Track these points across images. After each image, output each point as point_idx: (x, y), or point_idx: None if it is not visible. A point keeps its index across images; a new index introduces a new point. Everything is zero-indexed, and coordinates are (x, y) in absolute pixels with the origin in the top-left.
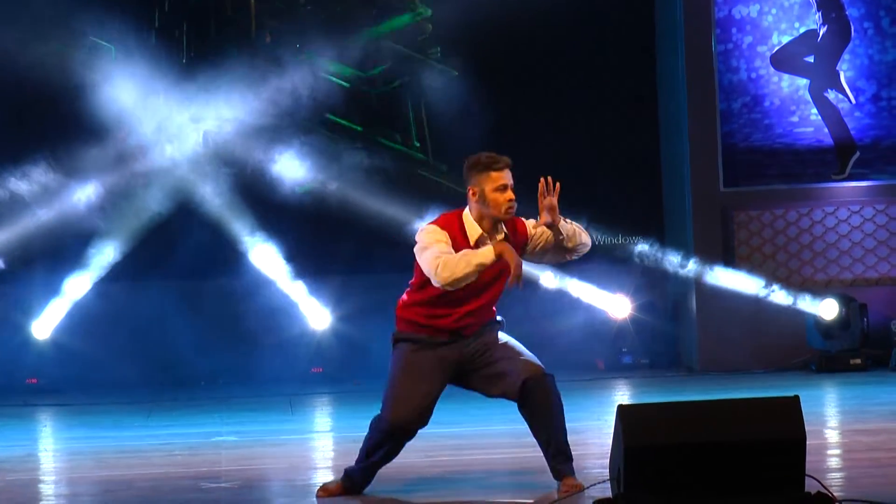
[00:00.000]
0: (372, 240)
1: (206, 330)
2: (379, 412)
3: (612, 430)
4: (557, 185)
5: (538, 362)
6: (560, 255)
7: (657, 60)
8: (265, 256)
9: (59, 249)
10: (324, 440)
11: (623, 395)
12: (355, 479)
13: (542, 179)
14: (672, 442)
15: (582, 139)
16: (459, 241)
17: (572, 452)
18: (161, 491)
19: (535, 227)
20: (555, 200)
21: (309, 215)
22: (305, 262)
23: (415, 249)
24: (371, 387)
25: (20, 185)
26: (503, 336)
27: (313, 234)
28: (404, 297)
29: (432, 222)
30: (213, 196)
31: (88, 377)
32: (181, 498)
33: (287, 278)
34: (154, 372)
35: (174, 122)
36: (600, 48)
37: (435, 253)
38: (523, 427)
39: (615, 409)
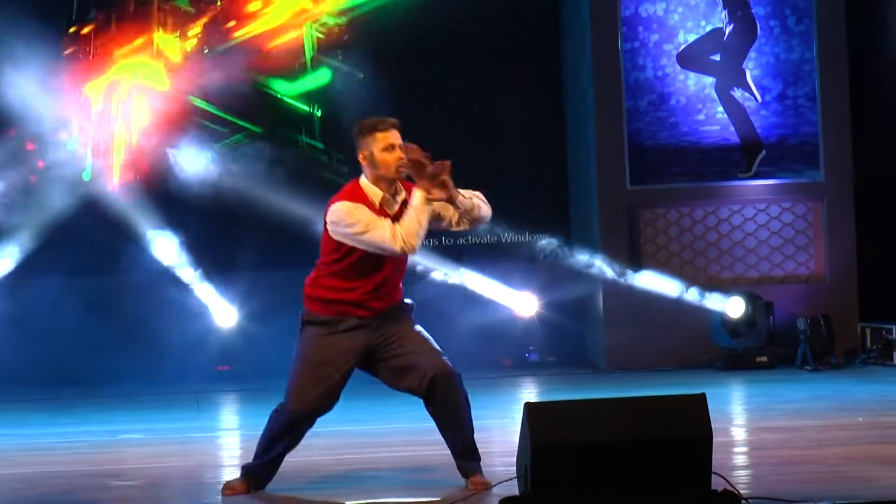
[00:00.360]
0: (278, 236)
1: (110, 327)
2: (281, 402)
3: (518, 428)
4: (447, 162)
5: (446, 359)
6: (459, 224)
7: (563, 58)
8: (168, 252)
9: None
10: (230, 438)
11: (530, 392)
12: (257, 476)
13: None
14: (579, 440)
15: (489, 136)
16: (368, 207)
17: (479, 450)
18: (68, 489)
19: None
20: (445, 176)
21: (213, 212)
22: (211, 259)
23: (339, 230)
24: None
25: None
26: (416, 327)
27: (218, 230)
28: (312, 273)
29: (340, 200)
30: (114, 190)
31: (27, 371)
32: (88, 496)
33: (193, 276)
34: (58, 369)
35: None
36: (506, 46)
37: (381, 227)
38: (429, 425)
39: (522, 407)
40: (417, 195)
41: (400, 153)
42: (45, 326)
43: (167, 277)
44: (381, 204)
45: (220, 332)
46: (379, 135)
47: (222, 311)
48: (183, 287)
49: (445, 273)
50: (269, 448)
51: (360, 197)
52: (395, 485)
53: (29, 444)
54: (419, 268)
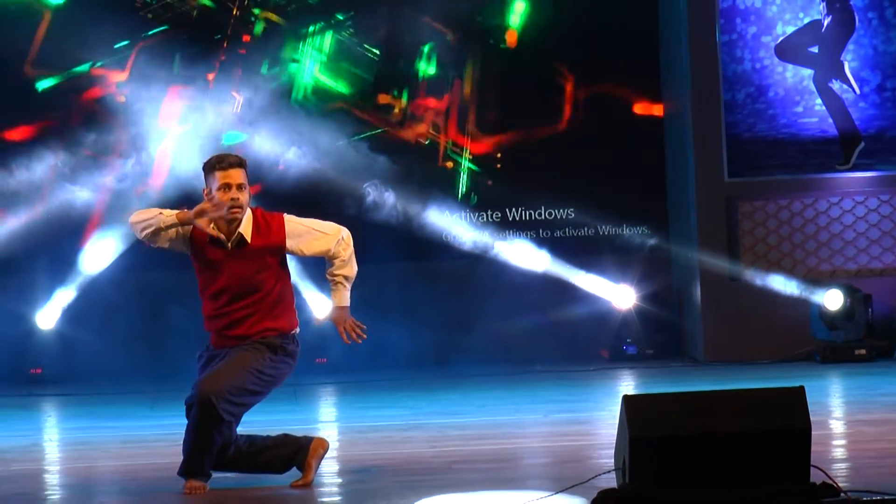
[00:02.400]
0: (370, 231)
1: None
2: None
3: (616, 421)
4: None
5: (216, 382)
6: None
7: (661, 51)
8: None
9: (65, 238)
10: (329, 430)
11: (628, 385)
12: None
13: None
14: (677, 432)
15: (586, 129)
16: (202, 238)
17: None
18: (166, 480)
19: (302, 238)
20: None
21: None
22: None
23: None
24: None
25: (33, 169)
26: (244, 353)
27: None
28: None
29: None
30: None
31: (93, 367)
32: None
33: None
34: (157, 362)
35: None
36: (603, 39)
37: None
38: (527, 417)
39: (620, 400)
40: (184, 210)
41: (235, 193)
42: (143, 320)
43: None
44: (210, 240)
45: (317, 325)
46: (219, 173)
47: (319, 305)
48: None
49: (543, 266)
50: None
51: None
52: (495, 476)
53: (128, 436)
54: (518, 263)
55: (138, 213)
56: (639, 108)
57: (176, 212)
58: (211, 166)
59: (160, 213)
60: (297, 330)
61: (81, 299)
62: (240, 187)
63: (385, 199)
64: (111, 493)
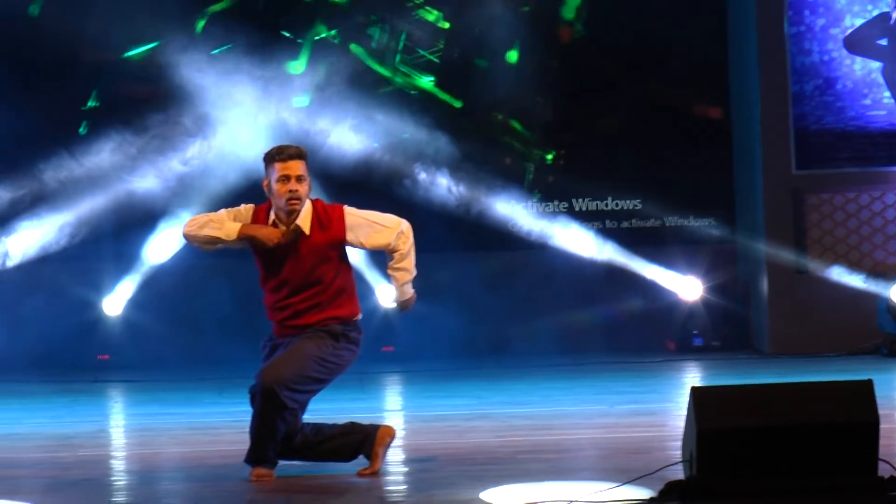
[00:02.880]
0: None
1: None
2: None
3: (683, 413)
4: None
5: (278, 371)
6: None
7: (728, 43)
8: None
9: (132, 224)
10: (395, 419)
11: (694, 377)
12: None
13: None
14: (746, 425)
15: (654, 120)
16: (260, 218)
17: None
18: (233, 468)
19: (362, 231)
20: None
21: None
22: None
23: None
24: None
25: (100, 155)
26: (306, 341)
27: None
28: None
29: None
30: None
31: (159, 353)
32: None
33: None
34: (225, 349)
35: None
36: (671, 31)
37: (202, 213)
38: (592, 408)
39: (687, 391)
40: (239, 228)
41: (293, 185)
42: (209, 307)
43: None
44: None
45: (383, 313)
46: (278, 165)
47: (385, 293)
48: None
49: (610, 257)
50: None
51: (258, 217)
52: (560, 467)
53: (195, 423)
54: (584, 253)
55: (191, 226)
56: (706, 100)
57: (227, 227)
58: (271, 157)
59: (213, 224)
60: (360, 317)
61: (148, 286)
62: (299, 179)
63: (449, 187)
64: (177, 480)
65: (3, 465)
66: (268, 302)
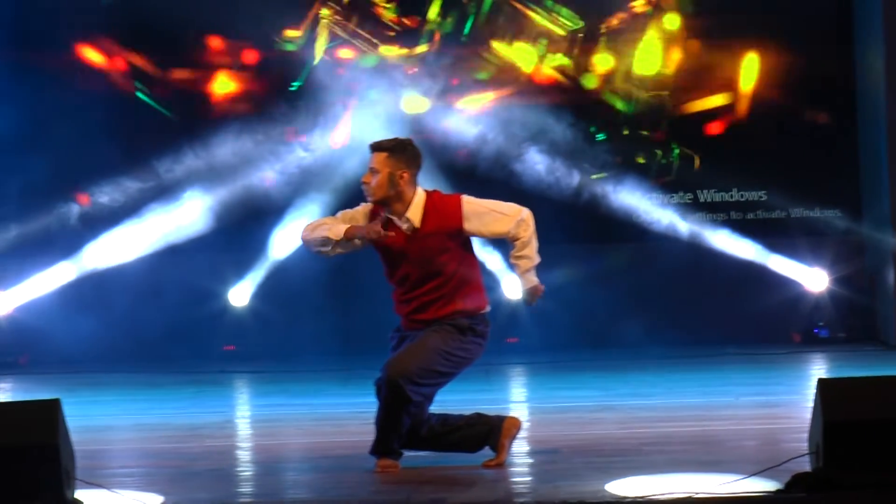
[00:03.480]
0: (563, 213)
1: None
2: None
3: (810, 405)
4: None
5: (403, 364)
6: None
7: (854, 32)
8: None
9: (257, 217)
10: (519, 410)
11: (819, 369)
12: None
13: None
14: (873, 417)
15: (779, 110)
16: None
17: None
18: (358, 459)
19: (480, 219)
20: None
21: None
22: None
23: None
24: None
25: (227, 147)
26: (432, 334)
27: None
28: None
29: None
30: None
31: (285, 344)
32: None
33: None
34: (349, 341)
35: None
36: (798, 24)
37: (320, 218)
38: (718, 400)
39: (813, 383)
40: (347, 230)
41: (366, 177)
42: (334, 298)
43: None
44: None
45: (508, 304)
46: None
47: (510, 284)
48: None
49: (734, 248)
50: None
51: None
52: (685, 459)
53: (320, 413)
54: (708, 245)
55: (307, 230)
56: (832, 91)
57: (336, 228)
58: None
59: (325, 226)
60: (488, 309)
61: (274, 277)
62: (372, 171)
63: (573, 178)
64: (302, 470)
65: (132, 455)
66: (394, 296)
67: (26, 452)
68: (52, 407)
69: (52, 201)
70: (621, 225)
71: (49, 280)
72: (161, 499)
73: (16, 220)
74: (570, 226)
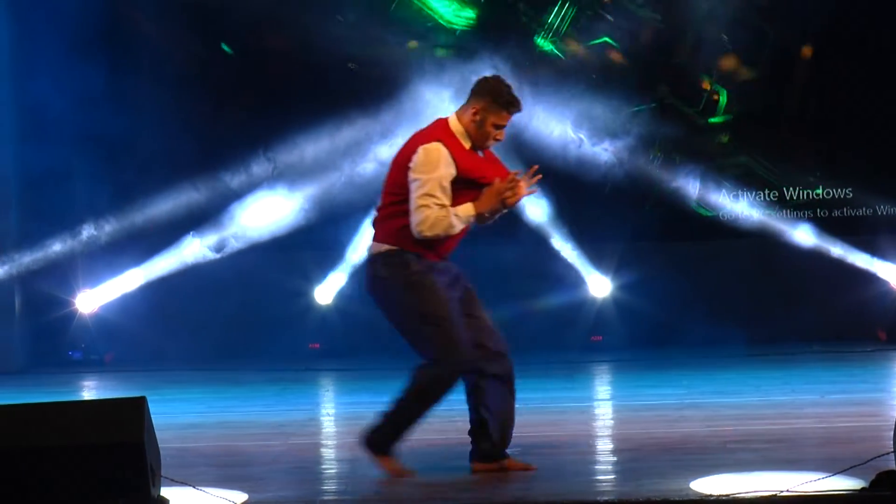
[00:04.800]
0: (651, 209)
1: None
2: (435, 359)
3: (895, 402)
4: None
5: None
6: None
7: None
8: (540, 220)
9: (343, 216)
10: (603, 408)
11: None
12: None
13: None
14: None
15: (864, 107)
16: (459, 149)
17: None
18: (443, 457)
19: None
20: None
21: (582, 183)
22: (581, 228)
23: (417, 165)
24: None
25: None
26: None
27: (587, 201)
28: (395, 209)
29: (436, 139)
30: None
31: (369, 342)
32: (462, 464)
33: (566, 245)
34: None
35: None
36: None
37: (428, 193)
38: (802, 397)
39: None
40: (470, 206)
41: (503, 135)
42: None
43: (542, 247)
44: (469, 149)
45: (594, 302)
46: (505, 114)
47: (596, 282)
48: (555, 256)
49: (820, 245)
50: (420, 412)
51: (452, 141)
52: (770, 457)
53: None
54: (794, 242)
55: (428, 229)
56: None
57: (462, 212)
58: (506, 102)
59: (447, 218)
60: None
61: (358, 275)
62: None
63: (661, 176)
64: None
65: (217, 453)
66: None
67: (112, 450)
68: (138, 405)
69: (141, 198)
70: (705, 222)
71: (135, 278)
72: (245, 496)
73: (107, 218)
74: (655, 223)
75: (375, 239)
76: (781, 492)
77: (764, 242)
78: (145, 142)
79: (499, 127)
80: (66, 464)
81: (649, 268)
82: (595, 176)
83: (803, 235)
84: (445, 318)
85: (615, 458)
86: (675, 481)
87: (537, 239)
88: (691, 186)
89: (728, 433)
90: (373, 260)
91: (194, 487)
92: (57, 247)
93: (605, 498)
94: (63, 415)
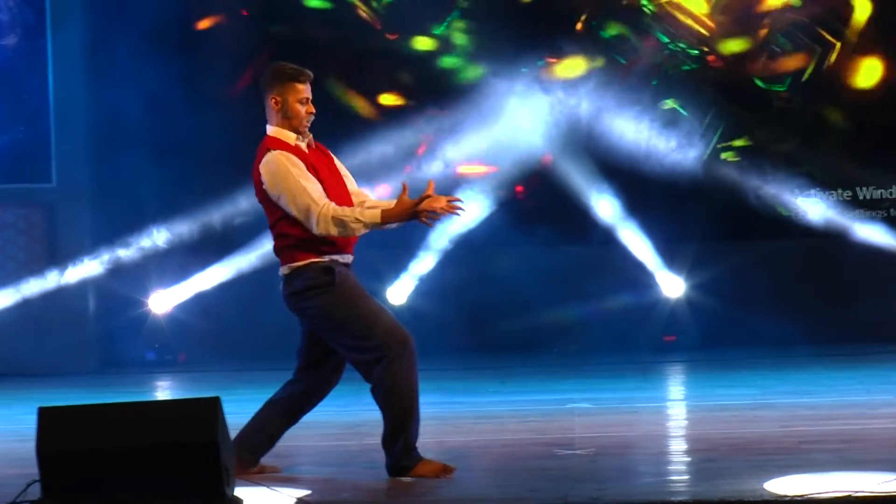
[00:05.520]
0: (724, 208)
1: (561, 294)
2: (385, 356)
3: None
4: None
5: None
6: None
7: None
8: (611, 219)
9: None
10: (677, 409)
11: None
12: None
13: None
14: None
15: None
16: (288, 147)
17: None
18: (516, 457)
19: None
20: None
21: (653, 181)
22: (658, 228)
23: (274, 182)
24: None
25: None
26: None
27: (661, 200)
28: (294, 231)
29: (272, 146)
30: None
31: (442, 342)
32: (535, 464)
33: (641, 244)
34: (501, 338)
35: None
36: None
37: (299, 196)
38: (880, 398)
39: None
40: (378, 212)
41: (312, 108)
42: (493, 298)
43: (613, 246)
44: (296, 143)
45: (667, 302)
46: (299, 86)
47: (669, 281)
48: (628, 256)
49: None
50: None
51: (276, 143)
52: (846, 457)
53: (478, 412)
54: (868, 242)
55: (327, 222)
56: None
57: (367, 216)
58: (292, 77)
59: (355, 218)
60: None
61: (431, 275)
62: (311, 102)
63: (732, 175)
64: (462, 469)
65: (290, 453)
66: None
67: (187, 450)
68: (213, 405)
69: (213, 199)
70: (778, 221)
71: (209, 278)
72: (319, 497)
73: (181, 219)
74: (728, 222)
75: (282, 264)
76: (857, 492)
77: (836, 242)
78: (216, 144)
79: (303, 101)
80: (141, 463)
81: (723, 267)
82: (667, 174)
83: (876, 235)
84: (372, 310)
85: (689, 459)
86: (749, 482)
87: (608, 238)
88: (779, 188)
89: (803, 433)
90: (285, 281)
91: (268, 487)
92: (130, 248)
93: (679, 498)
94: (139, 415)
